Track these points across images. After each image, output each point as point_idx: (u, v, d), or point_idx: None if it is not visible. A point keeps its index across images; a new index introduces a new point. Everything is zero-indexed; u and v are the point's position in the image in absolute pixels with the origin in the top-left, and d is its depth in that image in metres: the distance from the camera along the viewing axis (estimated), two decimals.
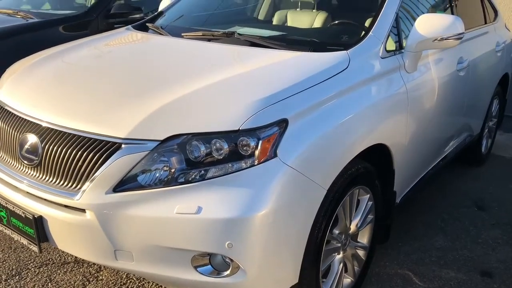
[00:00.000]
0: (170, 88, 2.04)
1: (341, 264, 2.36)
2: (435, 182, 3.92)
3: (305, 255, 1.98)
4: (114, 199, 1.84)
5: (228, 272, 1.84)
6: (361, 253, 2.54)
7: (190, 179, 1.81)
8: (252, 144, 1.81)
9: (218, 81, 2.07)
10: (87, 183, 1.87)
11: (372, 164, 2.35)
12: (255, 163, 1.81)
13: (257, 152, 1.81)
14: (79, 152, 1.90)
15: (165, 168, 1.83)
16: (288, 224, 1.86)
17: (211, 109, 1.91)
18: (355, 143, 2.15)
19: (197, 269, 1.84)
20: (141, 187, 1.83)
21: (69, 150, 1.92)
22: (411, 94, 2.57)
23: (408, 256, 2.96)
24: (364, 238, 2.54)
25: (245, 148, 1.82)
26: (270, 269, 1.87)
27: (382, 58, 2.46)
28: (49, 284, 2.57)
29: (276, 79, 2.07)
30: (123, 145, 1.85)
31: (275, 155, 1.82)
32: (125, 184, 1.84)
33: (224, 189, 1.79)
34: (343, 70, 2.22)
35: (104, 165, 1.84)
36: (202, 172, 1.81)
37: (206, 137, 1.83)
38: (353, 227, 2.37)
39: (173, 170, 1.82)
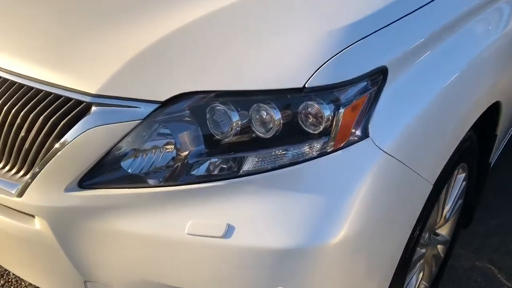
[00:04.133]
0: (171, 10, 1.18)
1: (421, 273, 1.65)
2: None
3: (392, 280, 1.25)
4: (79, 200, 1.06)
5: None
6: (440, 249, 1.82)
7: (213, 172, 1.02)
8: (327, 113, 1.00)
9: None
10: (34, 170, 1.09)
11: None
12: (329, 149, 1.01)
13: (334, 128, 1.01)
14: (21, 114, 1.10)
15: (167, 148, 1.04)
16: (379, 248, 1.10)
17: (248, 49, 1.08)
18: (474, 106, 1.34)
19: None
20: (128, 180, 1.05)
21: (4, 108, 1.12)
22: None
23: (485, 240, 2.25)
24: (445, 230, 1.81)
25: (312, 120, 1.01)
26: None
27: None
28: None
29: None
30: (93, 107, 1.04)
31: (365, 135, 1.02)
32: (98, 174, 1.06)
33: (273, 195, 1.00)
34: None
35: (63, 139, 1.05)
36: (233, 162, 1.03)
37: (241, 98, 1.02)
38: (442, 220, 1.63)
39: (182, 154, 1.03)
